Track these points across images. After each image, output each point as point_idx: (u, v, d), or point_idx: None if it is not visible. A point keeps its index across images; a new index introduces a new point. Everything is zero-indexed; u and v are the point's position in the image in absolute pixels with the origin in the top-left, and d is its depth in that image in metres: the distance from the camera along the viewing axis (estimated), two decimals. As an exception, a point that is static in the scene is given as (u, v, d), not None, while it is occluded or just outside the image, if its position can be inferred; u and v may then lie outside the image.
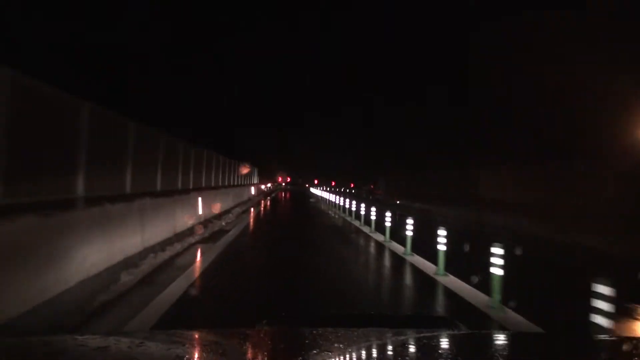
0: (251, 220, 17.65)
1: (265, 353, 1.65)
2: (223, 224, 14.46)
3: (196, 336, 1.86)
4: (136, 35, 18.24)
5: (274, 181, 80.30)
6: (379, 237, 12.65)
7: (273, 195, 50.20)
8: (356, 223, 16.70)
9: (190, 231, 11.15)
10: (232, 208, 19.43)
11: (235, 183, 26.14)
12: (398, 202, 33.47)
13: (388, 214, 12.08)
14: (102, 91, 13.88)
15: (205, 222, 13.34)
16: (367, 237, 13.17)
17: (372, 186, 79.57)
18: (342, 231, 15.31)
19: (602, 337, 2.99)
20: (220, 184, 19.16)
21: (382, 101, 50.76)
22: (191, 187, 13.29)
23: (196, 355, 1.59)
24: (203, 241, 10.78)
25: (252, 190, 32.06)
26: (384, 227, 12.16)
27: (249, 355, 1.61)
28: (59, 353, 1.44)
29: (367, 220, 15.36)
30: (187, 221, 11.26)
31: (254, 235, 13.54)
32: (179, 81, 25.29)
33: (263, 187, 50.05)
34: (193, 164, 13.60)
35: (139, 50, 19.02)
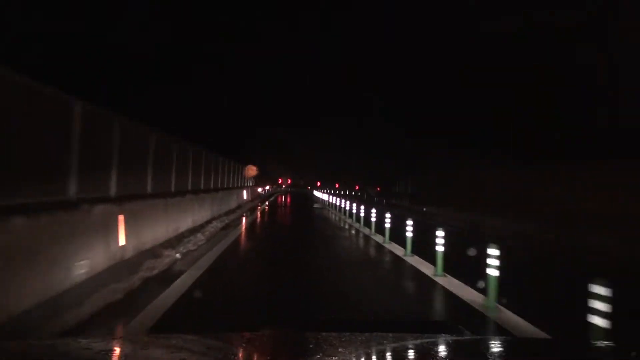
0: (231, 244, 11.45)
1: (269, 357, 1.61)
2: (177, 256, 8.38)
3: (199, 340, 1.75)
4: (136, 35, 17.82)
5: (272, 183, 74.04)
6: (467, 294, 6.60)
7: (272, 199, 43.98)
8: (398, 251, 10.65)
9: (77, 296, 5.09)
10: (208, 222, 13.40)
11: (224, 185, 20.17)
12: (425, 209, 27.33)
13: (474, 252, 6.02)
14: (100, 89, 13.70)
15: (137, 258, 7.28)
16: (432, 285, 7.14)
17: (378, 189, 74.01)
18: (385, 276, 9.31)
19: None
20: (190, 187, 13.11)
21: (397, 92, 45.22)
22: (113, 194, 7.22)
23: None
24: (96, 319, 4.73)
25: (245, 194, 25.94)
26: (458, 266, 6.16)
27: (253, 359, 1.58)
28: (62, 356, 1.41)
29: (417, 246, 9.47)
30: (69, 271, 5.21)
31: (223, 288, 7.29)
32: (177, 80, 24.92)
33: (260, 190, 43.91)
34: (117, 153, 7.49)
35: (138, 50, 18.63)
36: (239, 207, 21.81)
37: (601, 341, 3.20)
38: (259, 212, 22.60)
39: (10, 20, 11.84)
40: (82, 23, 14.89)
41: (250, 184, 35.80)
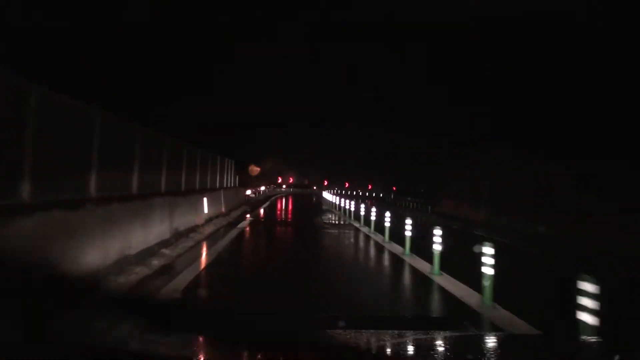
0: None
1: (273, 354, 1.55)
2: None
3: (204, 339, 1.75)
4: (136, 35, 18.00)
5: (269, 182, 63.22)
6: None
7: (266, 204, 33.19)
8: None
9: None
10: None
11: (128, 189, 9.84)
12: (541, 228, 15.96)
13: None
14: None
15: None
16: None
17: (394, 188, 65.24)
18: None
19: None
20: None
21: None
22: None
23: None
24: None
25: (205, 205, 15.15)
26: None
27: (259, 356, 1.55)
28: (71, 357, 1.41)
29: None
30: None
31: None
32: (176, 80, 24.42)
33: (250, 192, 33.18)
34: None
35: (138, 50, 18.87)
36: (173, 238, 11.03)
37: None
38: (204, 257, 10.24)
39: (10, 20, 11.84)
40: (82, 23, 14.78)
41: (230, 184, 25.17)
